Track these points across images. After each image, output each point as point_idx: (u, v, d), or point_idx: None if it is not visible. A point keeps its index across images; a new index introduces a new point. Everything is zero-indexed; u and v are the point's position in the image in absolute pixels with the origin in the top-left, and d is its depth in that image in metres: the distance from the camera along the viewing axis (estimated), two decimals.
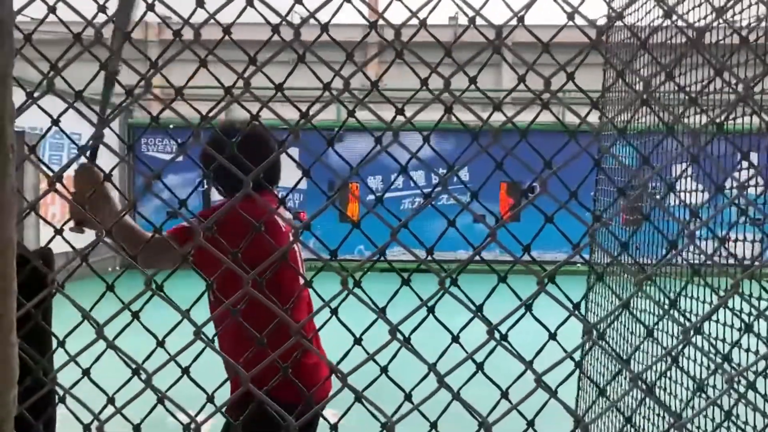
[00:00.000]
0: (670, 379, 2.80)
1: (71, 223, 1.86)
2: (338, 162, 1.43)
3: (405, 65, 1.20)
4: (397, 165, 1.18)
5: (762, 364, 1.86)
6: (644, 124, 3.62)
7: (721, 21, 1.41)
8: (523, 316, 1.17)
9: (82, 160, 1.75)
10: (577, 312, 1.15)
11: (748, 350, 2.42)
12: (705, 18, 2.32)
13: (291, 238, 2.32)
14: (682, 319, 2.45)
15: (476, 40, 1.06)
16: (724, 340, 2.51)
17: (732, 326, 2.41)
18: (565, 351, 1.12)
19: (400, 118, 1.13)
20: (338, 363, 1.17)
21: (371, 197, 11.38)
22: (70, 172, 1.23)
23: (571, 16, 1.10)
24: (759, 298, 2.11)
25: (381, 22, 1.14)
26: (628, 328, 3.46)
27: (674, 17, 1.07)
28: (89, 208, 1.93)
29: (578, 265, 8.60)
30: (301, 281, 2.29)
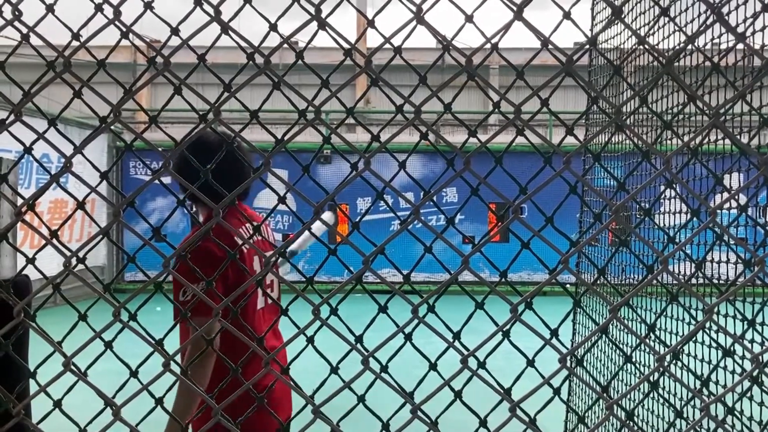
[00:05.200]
0: (654, 399, 2.79)
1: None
2: (328, 183, 1.42)
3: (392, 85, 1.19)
4: (390, 186, 1.15)
5: (740, 387, 1.85)
6: (629, 145, 3.65)
7: (693, 46, 1.42)
8: (501, 342, 1.16)
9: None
10: (556, 337, 1.14)
11: (733, 372, 2.41)
12: (679, 44, 2.35)
13: (256, 261, 2.25)
14: (660, 343, 2.45)
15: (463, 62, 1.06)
16: (709, 362, 2.51)
17: (717, 347, 2.40)
18: (542, 377, 1.10)
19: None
20: (314, 392, 1.15)
21: (371, 217, 11.30)
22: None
23: (544, 44, 1.11)
24: (743, 320, 2.11)
25: (369, 44, 1.14)
26: (619, 341, 3.46)
27: (646, 45, 1.08)
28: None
29: (568, 285, 8.61)
30: (261, 304, 2.22)
